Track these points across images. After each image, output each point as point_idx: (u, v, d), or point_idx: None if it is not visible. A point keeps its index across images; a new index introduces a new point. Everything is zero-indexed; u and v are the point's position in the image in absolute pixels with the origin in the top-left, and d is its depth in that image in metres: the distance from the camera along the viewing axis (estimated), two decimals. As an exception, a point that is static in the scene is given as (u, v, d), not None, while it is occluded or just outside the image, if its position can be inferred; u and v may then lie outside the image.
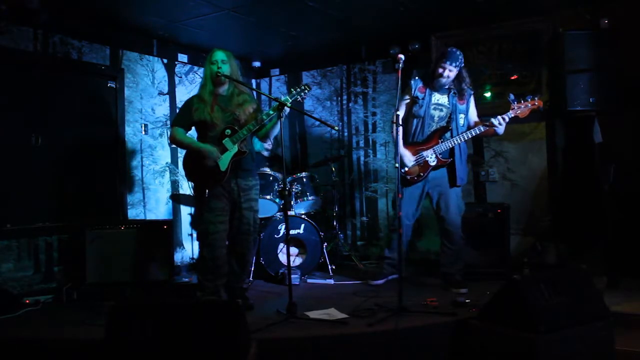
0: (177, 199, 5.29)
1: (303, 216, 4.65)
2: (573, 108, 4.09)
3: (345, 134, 5.89)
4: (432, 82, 3.82)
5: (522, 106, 3.68)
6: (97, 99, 4.67)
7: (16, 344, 2.87)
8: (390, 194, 5.55)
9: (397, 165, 3.35)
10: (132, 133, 4.92)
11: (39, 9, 3.92)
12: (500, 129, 3.73)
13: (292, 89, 3.39)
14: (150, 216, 5.01)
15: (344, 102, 5.90)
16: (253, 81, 6.36)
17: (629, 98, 4.08)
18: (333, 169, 5.20)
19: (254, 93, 4.61)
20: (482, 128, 3.76)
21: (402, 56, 3.33)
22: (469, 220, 4.22)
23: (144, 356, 2.21)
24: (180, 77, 5.42)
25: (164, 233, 4.14)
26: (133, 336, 2.22)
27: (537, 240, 4.60)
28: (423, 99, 3.83)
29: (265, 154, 5.16)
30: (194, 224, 5.27)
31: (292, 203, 4.76)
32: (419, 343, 2.89)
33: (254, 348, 2.42)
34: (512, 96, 3.71)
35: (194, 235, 5.23)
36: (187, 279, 4.67)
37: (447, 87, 3.84)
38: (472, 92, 3.94)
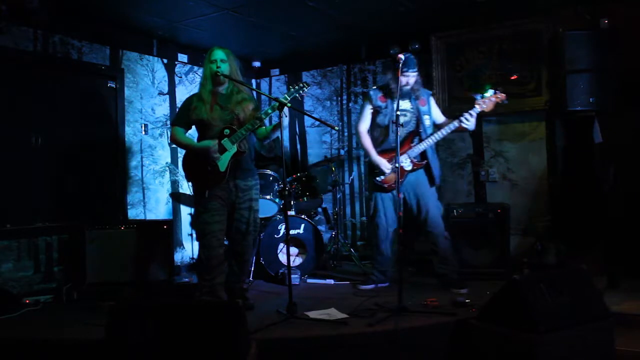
0: (177, 198, 5.29)
1: (303, 216, 4.66)
2: (573, 108, 4.09)
3: (346, 133, 5.89)
4: (393, 92, 3.79)
5: (487, 101, 3.75)
6: (97, 99, 4.67)
7: (16, 344, 2.87)
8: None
9: (397, 165, 3.35)
10: (132, 133, 4.91)
11: (39, 9, 3.92)
12: (470, 125, 3.77)
13: (291, 87, 3.36)
14: (150, 216, 5.01)
15: (344, 102, 5.90)
16: (253, 81, 6.36)
17: (629, 98, 4.07)
18: (333, 169, 5.20)
19: (254, 93, 4.60)
20: (452, 127, 3.78)
21: (402, 56, 3.34)
22: (469, 220, 4.22)
23: (144, 356, 2.21)
24: (180, 77, 5.42)
25: (164, 233, 4.14)
26: (133, 336, 2.22)
27: (537, 240, 4.60)
28: (386, 107, 3.87)
29: (264, 153, 5.15)
30: (194, 223, 5.27)
31: (292, 203, 4.76)
32: (419, 343, 2.89)
33: (254, 348, 2.42)
34: (477, 96, 3.82)
35: (194, 235, 5.23)
36: (187, 279, 4.67)
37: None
38: (431, 93, 4.04)
